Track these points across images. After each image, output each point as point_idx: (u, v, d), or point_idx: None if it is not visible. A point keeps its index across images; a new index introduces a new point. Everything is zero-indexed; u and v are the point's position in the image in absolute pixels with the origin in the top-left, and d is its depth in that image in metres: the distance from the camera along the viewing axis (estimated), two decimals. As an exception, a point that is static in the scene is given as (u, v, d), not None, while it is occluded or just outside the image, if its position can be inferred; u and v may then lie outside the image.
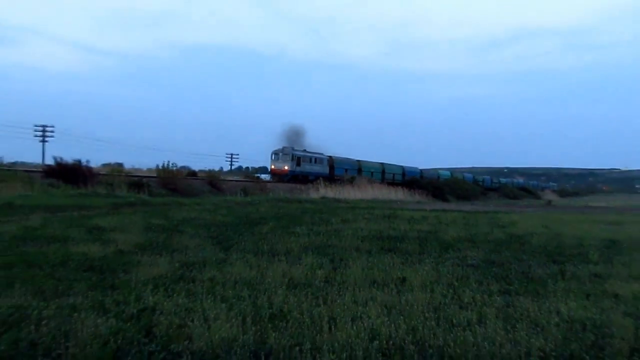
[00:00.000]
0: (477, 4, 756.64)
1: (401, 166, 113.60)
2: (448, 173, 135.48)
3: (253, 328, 7.77)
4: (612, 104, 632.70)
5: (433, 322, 8.29)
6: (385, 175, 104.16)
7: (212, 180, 62.85)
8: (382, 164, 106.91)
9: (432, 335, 7.65)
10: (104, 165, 62.48)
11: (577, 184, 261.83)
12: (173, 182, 55.57)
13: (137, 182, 50.90)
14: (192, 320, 8.01)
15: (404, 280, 11.83)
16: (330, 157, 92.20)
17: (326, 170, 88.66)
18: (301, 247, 17.00)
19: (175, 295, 9.83)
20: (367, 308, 9.16)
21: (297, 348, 7.07)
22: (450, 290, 10.85)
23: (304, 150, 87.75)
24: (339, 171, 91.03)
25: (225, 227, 23.54)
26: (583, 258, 16.13)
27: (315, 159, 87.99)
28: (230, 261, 13.92)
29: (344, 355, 6.84)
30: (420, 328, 7.96)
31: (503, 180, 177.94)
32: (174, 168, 61.95)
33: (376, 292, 10.51)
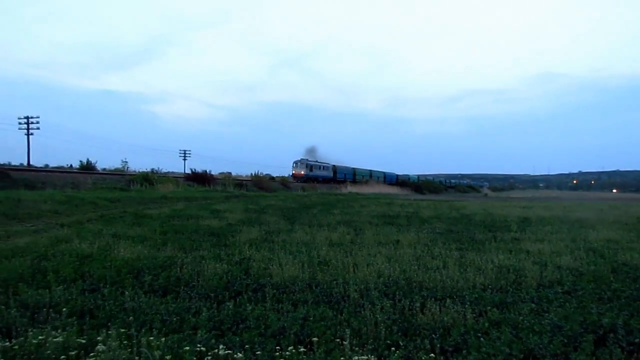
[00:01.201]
0: (440, 76, 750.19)
1: (383, 172, 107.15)
2: (415, 176, 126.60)
3: (308, 270, 7.73)
4: (522, 134, 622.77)
5: (416, 267, 8.17)
6: (372, 177, 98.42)
7: (283, 182, 63.16)
8: (370, 170, 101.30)
9: (415, 275, 7.55)
10: (220, 173, 62.91)
11: (502, 184, 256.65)
12: (261, 183, 55.96)
13: (239, 183, 51.30)
14: (272, 265, 8.01)
15: (398, 241, 11.71)
16: (334, 165, 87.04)
17: (331, 174, 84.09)
18: (336, 222, 16.96)
19: (262, 250, 9.85)
20: (375, 258, 9.07)
21: (334, 282, 7.03)
22: (426, 248, 10.71)
23: (316, 161, 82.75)
24: (340, 175, 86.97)
25: (291, 210, 23.60)
26: (507, 228, 15.83)
27: (323, 166, 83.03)
28: (294, 230, 13.92)
29: (362, 286, 6.78)
30: (408, 270, 7.86)
31: (456, 181, 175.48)
32: (261, 174, 62.70)
33: (381, 249, 10.41)
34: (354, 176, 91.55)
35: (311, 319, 5.31)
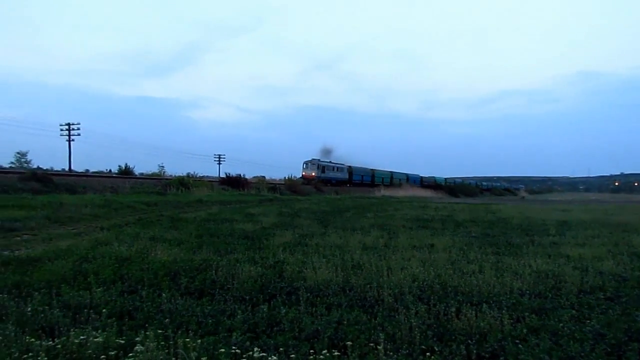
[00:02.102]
0: (473, 77, 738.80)
1: (406, 173, 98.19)
2: (442, 178, 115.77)
3: (341, 273, 7.72)
4: (560, 135, 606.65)
5: (451, 271, 8.06)
6: (393, 180, 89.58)
7: (317, 185, 63.21)
8: (391, 172, 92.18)
9: (450, 279, 7.45)
10: (254, 177, 63.43)
11: (539, 186, 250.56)
12: (294, 186, 56.20)
13: (273, 186, 51.64)
14: (306, 268, 8.03)
15: (432, 245, 11.57)
16: (349, 166, 78.84)
17: (346, 176, 76.78)
18: (370, 225, 16.89)
19: (295, 253, 9.88)
20: (410, 262, 8.99)
21: (368, 285, 7.00)
22: (461, 252, 10.55)
23: (330, 162, 74.86)
24: (357, 177, 79.86)
25: (325, 213, 23.60)
26: (545, 232, 15.45)
27: (337, 167, 75.17)
28: (327, 233, 13.92)
29: (396, 290, 6.73)
30: (443, 275, 7.76)
31: (487, 184, 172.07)
32: (294, 178, 63.02)
33: (415, 253, 10.31)
34: (372, 178, 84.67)
35: (345, 322, 5.30)
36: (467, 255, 10.18)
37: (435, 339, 4.94)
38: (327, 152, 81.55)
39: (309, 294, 6.53)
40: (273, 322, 5.35)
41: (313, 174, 68.30)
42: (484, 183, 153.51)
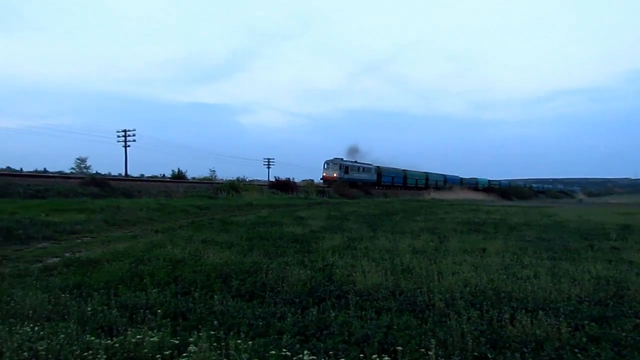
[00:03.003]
0: (527, 76, 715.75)
1: (443, 174, 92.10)
2: (486, 180, 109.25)
3: (391, 277, 7.65)
4: (620, 135, 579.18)
5: (504, 276, 7.84)
6: (429, 182, 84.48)
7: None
8: (426, 172, 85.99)
9: (504, 285, 7.25)
10: (302, 180, 63.99)
11: (598, 188, 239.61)
12: (342, 190, 56.25)
13: (321, 190, 51.87)
14: (355, 272, 8.00)
15: (484, 249, 11.30)
16: (378, 167, 72.09)
17: (374, 177, 70.01)
18: (419, 229, 16.68)
19: (345, 257, 9.87)
20: (461, 266, 8.81)
21: (418, 290, 6.91)
22: (515, 256, 10.25)
23: (355, 161, 68.05)
24: (386, 179, 73.20)
25: (374, 216, 23.50)
26: (605, 236, 14.81)
27: (363, 167, 68.06)
28: (376, 237, 13.84)
29: (447, 295, 6.61)
30: (496, 280, 7.57)
31: (547, 186, 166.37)
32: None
33: (467, 257, 10.11)
34: (404, 180, 78.61)
35: (395, 327, 5.25)
36: (522, 260, 9.88)
37: (488, 345, 4.81)
38: (353, 151, 75.10)
39: (358, 298, 6.51)
40: (322, 326, 5.36)
41: (335, 175, 61.82)
42: (534, 185, 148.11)
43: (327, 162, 63.78)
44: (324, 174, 63.11)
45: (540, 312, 5.62)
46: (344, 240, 13.01)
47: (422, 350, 4.57)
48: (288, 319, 5.49)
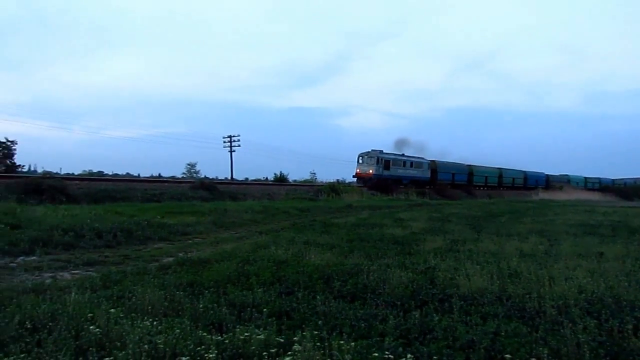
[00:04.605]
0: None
1: (523, 171, 79.58)
2: (582, 177, 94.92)
3: (497, 282, 7.34)
4: None
5: (625, 283, 7.22)
6: (503, 179, 72.82)
7: (469, 189, 60.99)
8: (499, 168, 72.91)
9: (625, 292, 6.69)
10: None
11: None
12: (443, 190, 55.03)
13: (421, 191, 51.02)
14: (458, 275, 7.79)
15: (601, 254, 10.47)
16: (432, 161, 59.75)
17: (426, 174, 57.76)
18: (527, 231, 15.86)
19: (447, 259, 9.64)
20: (575, 272, 8.25)
21: (527, 295, 6.58)
22: (638, 262, 9.40)
23: (402, 154, 56.35)
24: (444, 176, 60.42)
25: (477, 218, 22.71)
26: None
27: (411, 162, 55.99)
28: (480, 239, 13.36)
29: (560, 302, 6.22)
30: (616, 287, 7.00)
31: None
32: (441, 182, 60.73)
33: (581, 261, 9.44)
34: (469, 177, 65.77)
35: (503, 334, 5.04)
36: (646, 265, 9.05)
37: (608, 358, 4.47)
38: (402, 143, 63.57)
39: (462, 302, 6.33)
40: (425, 329, 5.28)
41: (370, 171, 50.33)
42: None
43: (361, 156, 52.11)
44: (358, 170, 51.65)
45: (670, 324, 5.13)
46: (446, 242, 12.70)
47: (533, 359, 4.35)
48: (390, 322, 5.48)
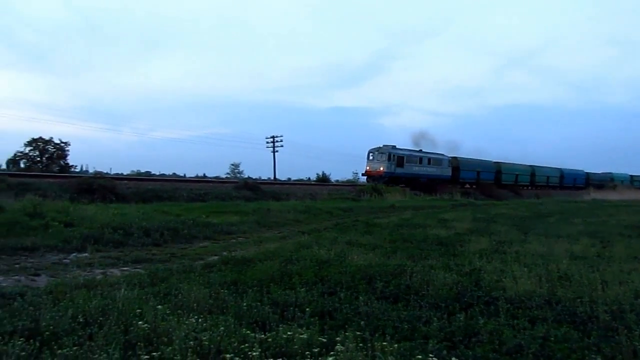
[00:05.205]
0: None
1: (559, 169, 73.44)
2: (627, 175, 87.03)
3: (546, 285, 7.11)
4: None
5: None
6: (536, 177, 67.35)
7: (516, 189, 59.45)
8: (531, 166, 67.45)
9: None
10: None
11: None
12: (489, 191, 53.91)
13: (465, 191, 50.15)
14: (505, 278, 7.59)
15: (659, 257, 10.02)
16: (453, 158, 54.72)
17: (447, 172, 52.72)
18: (578, 232, 15.33)
19: (493, 261, 9.41)
20: (631, 275, 7.90)
21: (579, 300, 6.34)
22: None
23: (419, 150, 52.11)
24: (467, 174, 55.77)
25: (524, 219, 22.12)
26: None
27: (429, 159, 50.86)
28: (528, 241, 13.00)
29: (614, 307, 5.97)
30: (676, 292, 6.67)
31: None
32: (486, 181, 59.29)
33: (637, 265, 9.04)
34: (496, 175, 60.11)
35: (552, 339, 4.87)
36: None
37: (666, 366, 4.26)
38: (421, 137, 58.88)
39: (509, 305, 6.16)
40: (470, 333, 5.17)
41: (381, 168, 45.84)
42: None
43: (371, 152, 47.92)
44: (367, 168, 47.50)
45: None
46: (492, 243, 12.41)
47: (585, 366, 4.20)
48: (434, 324, 5.39)
